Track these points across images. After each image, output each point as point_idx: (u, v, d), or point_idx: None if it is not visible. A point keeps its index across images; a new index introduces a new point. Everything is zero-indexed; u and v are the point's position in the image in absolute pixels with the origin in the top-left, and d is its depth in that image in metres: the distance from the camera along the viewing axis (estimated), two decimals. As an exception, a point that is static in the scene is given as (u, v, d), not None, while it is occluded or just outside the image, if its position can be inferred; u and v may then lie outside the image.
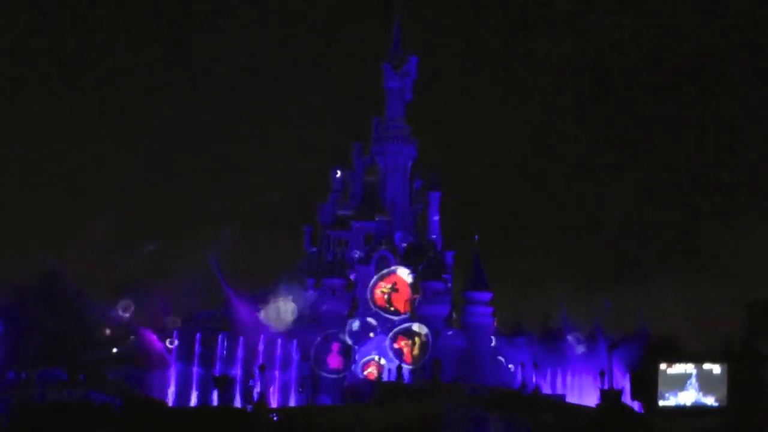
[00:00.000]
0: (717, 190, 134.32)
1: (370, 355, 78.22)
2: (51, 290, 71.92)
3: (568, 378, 79.48)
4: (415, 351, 78.45)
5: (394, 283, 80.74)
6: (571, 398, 73.31)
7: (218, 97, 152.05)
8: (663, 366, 33.95)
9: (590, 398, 70.22)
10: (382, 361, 78.03)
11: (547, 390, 74.70)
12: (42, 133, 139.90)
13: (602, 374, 66.47)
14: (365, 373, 77.81)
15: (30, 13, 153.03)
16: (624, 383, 62.02)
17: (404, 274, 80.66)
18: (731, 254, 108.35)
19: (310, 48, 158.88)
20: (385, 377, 76.54)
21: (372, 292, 79.99)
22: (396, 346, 78.55)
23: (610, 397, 64.78)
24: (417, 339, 78.60)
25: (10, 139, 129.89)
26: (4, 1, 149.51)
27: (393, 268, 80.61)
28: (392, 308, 79.95)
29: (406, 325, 78.80)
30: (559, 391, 76.28)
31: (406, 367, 75.54)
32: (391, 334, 78.55)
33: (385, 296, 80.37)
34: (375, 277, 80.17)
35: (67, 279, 74.08)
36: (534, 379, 72.97)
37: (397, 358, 77.37)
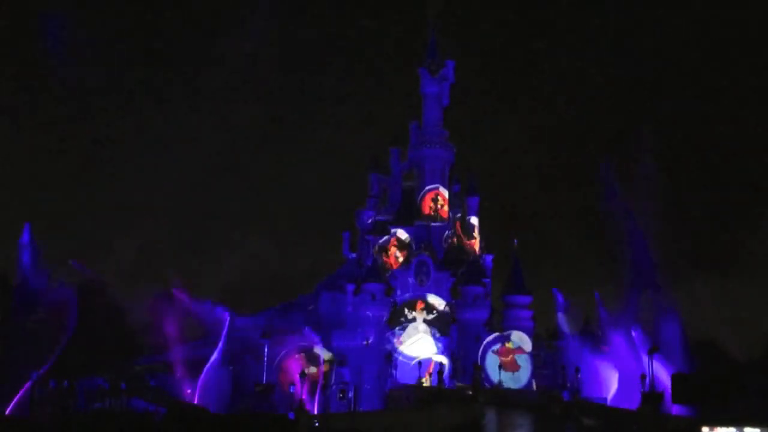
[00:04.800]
0: (754, 189, 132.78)
1: None
2: (90, 300, 72.38)
3: (610, 381, 78.80)
4: None
5: None
6: (613, 401, 72.93)
7: (252, 103, 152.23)
8: (705, 430, 34.18)
9: (632, 401, 69.78)
10: None
11: (588, 393, 74.16)
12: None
13: (643, 377, 66.04)
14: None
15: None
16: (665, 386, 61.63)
17: None
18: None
19: (348, 53, 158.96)
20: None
21: None
22: None
23: (652, 400, 64.57)
24: None
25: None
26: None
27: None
28: None
29: None
30: (601, 394, 75.69)
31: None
32: None
33: None
34: None
35: (105, 288, 74.56)
36: (575, 383, 72.55)
37: None
